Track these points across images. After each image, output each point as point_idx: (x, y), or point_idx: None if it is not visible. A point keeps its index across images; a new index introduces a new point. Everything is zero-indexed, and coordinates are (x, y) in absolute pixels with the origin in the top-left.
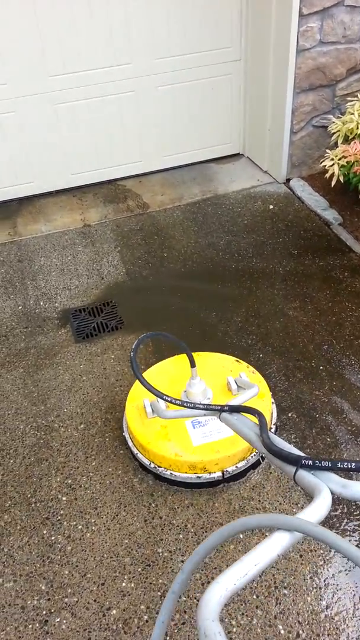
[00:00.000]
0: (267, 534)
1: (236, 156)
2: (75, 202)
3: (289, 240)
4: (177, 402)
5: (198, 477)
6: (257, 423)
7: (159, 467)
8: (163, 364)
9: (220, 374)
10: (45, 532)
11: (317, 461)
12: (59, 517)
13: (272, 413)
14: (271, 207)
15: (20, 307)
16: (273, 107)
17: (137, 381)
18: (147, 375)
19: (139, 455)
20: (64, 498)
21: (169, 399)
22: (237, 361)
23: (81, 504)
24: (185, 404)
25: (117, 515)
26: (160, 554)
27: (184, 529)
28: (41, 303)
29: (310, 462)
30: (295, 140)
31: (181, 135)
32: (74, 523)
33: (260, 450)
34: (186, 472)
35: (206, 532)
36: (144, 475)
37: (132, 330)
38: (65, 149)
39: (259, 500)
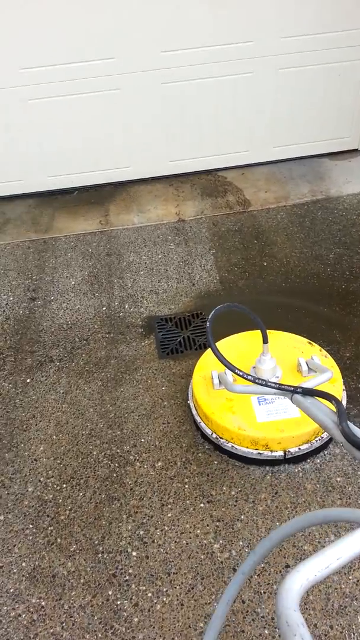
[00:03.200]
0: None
1: (353, 152)
2: (171, 192)
3: None
4: (250, 377)
5: (259, 453)
6: (334, 410)
7: (220, 438)
8: (233, 338)
9: (291, 354)
10: (110, 592)
11: None
12: (127, 577)
13: (342, 401)
14: None
15: (104, 308)
16: None
17: (207, 351)
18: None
19: (202, 425)
20: (134, 553)
21: (241, 374)
22: (310, 343)
23: (152, 564)
24: (257, 381)
25: (192, 588)
26: None
27: (270, 622)
28: (126, 306)
29: None
30: None
31: (296, 125)
32: (144, 588)
33: (338, 440)
34: (247, 447)
35: None
36: (226, 541)
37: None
38: (167, 132)
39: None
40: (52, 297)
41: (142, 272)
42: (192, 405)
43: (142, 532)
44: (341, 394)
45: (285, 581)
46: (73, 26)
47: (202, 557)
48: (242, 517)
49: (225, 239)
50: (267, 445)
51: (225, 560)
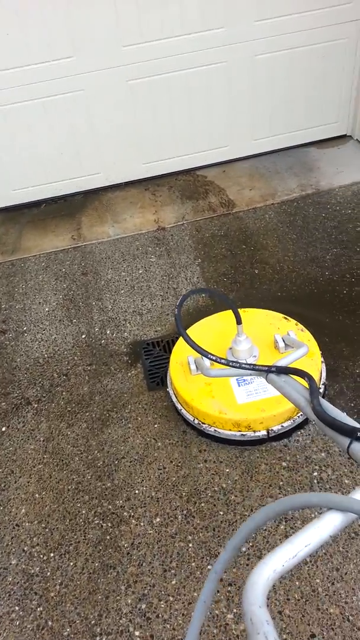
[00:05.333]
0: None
1: (342, 138)
2: (147, 197)
3: None
4: (223, 361)
5: (242, 434)
6: (307, 387)
7: (202, 423)
8: (208, 320)
9: (267, 332)
10: None
11: None
12: None
13: (321, 373)
14: None
15: (84, 336)
16: None
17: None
18: (192, 331)
19: (183, 412)
20: (137, 632)
21: (214, 358)
22: (286, 318)
23: None
24: (230, 364)
25: None
26: None
27: None
28: (107, 332)
29: None
30: None
31: (278, 114)
32: None
33: (311, 418)
34: (230, 430)
35: None
36: (240, 610)
37: None
38: (138, 132)
39: None
40: (25, 328)
41: (122, 291)
42: (171, 392)
43: (144, 606)
44: (320, 367)
45: (251, 575)
46: (22, 25)
47: (215, 631)
48: None
49: (211, 246)
50: (249, 426)
51: (241, 634)
